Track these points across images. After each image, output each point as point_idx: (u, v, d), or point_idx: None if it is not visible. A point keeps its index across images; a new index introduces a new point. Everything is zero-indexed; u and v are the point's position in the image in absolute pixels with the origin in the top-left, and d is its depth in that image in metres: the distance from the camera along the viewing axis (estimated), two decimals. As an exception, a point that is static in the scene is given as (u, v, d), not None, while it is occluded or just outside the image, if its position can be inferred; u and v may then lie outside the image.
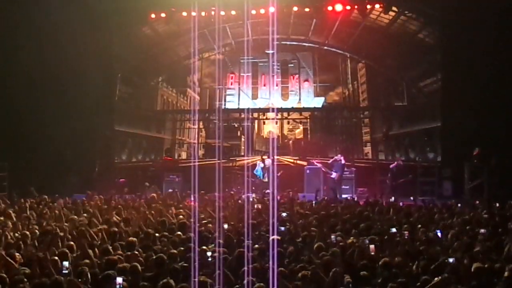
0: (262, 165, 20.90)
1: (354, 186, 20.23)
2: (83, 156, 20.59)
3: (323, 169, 20.30)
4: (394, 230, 10.20)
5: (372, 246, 8.17)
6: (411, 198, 18.29)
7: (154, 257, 7.85)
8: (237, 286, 6.99)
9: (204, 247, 7.91)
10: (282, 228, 9.83)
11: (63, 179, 19.23)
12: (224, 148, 25.92)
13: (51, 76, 19.47)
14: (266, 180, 20.52)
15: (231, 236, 9.57)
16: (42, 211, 12.46)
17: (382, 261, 7.52)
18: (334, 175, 19.71)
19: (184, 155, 26.86)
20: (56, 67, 19.59)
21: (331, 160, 20.54)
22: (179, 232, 9.64)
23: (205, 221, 11.28)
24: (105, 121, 22.10)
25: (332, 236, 9.06)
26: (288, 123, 26.78)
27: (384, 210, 13.42)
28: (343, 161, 19.84)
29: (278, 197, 18.21)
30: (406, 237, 9.18)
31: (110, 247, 8.50)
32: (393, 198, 17.44)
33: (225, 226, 10.28)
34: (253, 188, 20.41)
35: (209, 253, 7.80)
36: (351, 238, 9.30)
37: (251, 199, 15.79)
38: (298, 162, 24.50)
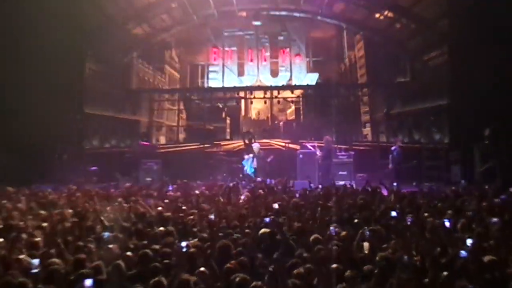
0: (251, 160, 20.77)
1: (352, 172, 20.21)
2: (50, 142, 20.40)
3: (317, 153, 20.28)
4: (394, 213, 10.34)
5: (366, 244, 8.19)
6: (414, 184, 18.38)
7: (139, 253, 7.81)
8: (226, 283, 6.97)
9: (183, 242, 7.87)
10: (267, 220, 9.86)
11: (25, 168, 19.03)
12: (208, 131, 25.92)
13: (11, 50, 19.17)
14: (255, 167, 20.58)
15: (216, 228, 9.55)
16: (5, 204, 12.36)
17: (379, 256, 7.54)
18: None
19: (162, 140, 26.85)
20: (17, 40, 19.31)
21: (326, 144, 20.68)
22: (161, 228, 9.60)
23: (187, 213, 11.25)
24: (73, 103, 21.85)
25: (331, 228, 9.09)
26: (278, 102, 26.80)
27: (385, 198, 13.46)
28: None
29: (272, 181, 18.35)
30: (408, 223, 9.27)
31: (83, 243, 8.45)
32: (395, 184, 17.49)
33: (211, 217, 10.25)
34: (241, 175, 20.45)
35: (183, 243, 7.76)
36: (349, 229, 9.34)
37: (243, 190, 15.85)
38: (290, 145, 24.57)
